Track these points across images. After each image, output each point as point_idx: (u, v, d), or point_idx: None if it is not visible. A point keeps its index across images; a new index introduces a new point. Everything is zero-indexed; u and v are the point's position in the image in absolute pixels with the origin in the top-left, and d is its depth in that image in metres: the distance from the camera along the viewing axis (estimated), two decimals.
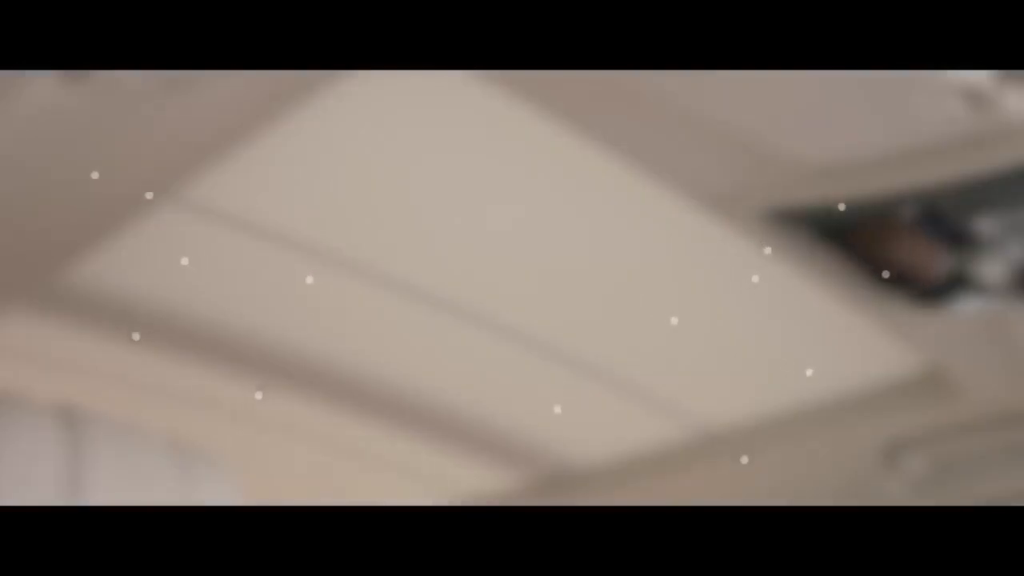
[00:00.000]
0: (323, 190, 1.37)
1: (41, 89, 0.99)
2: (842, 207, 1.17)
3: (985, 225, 1.14)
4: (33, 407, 1.17)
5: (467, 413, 1.84)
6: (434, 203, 1.41)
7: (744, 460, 1.84)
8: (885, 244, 1.24)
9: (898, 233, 1.20)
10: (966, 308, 1.33)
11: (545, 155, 1.31)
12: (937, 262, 1.24)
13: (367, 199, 1.39)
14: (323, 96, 1.12)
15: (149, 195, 1.20)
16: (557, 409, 1.87)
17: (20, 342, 1.52)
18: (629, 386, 1.81)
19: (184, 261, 1.44)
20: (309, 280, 1.50)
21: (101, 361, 1.59)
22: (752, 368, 1.76)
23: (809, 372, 1.79)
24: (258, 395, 1.65)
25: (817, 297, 1.41)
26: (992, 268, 1.22)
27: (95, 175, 1.15)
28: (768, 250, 1.30)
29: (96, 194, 1.18)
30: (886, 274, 1.31)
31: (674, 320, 1.66)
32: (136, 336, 1.54)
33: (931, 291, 1.31)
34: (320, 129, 1.25)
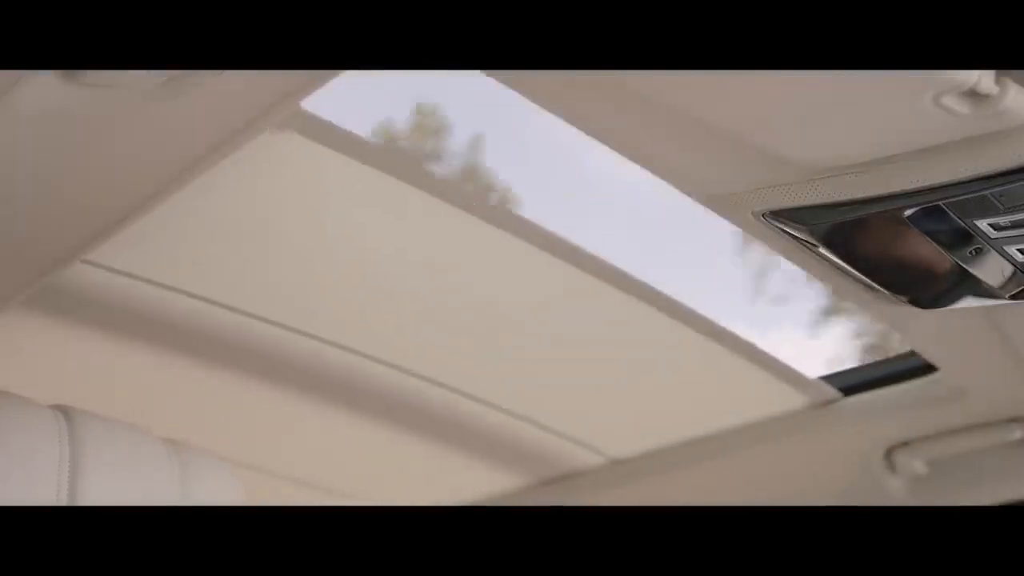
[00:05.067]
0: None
1: (41, 89, 0.98)
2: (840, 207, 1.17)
3: (985, 225, 1.14)
4: (32, 407, 1.17)
5: (468, 414, 1.84)
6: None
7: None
8: (885, 244, 1.24)
9: (898, 233, 1.20)
10: (966, 308, 1.33)
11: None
12: (937, 262, 1.24)
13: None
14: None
15: (148, 195, 1.19)
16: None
17: (20, 342, 1.52)
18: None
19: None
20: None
21: (101, 361, 1.59)
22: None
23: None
24: None
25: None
26: (992, 268, 1.22)
27: (95, 175, 1.15)
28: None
29: (96, 194, 1.18)
30: (887, 274, 1.31)
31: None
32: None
33: (931, 291, 1.31)
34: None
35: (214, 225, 1.37)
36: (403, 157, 1.33)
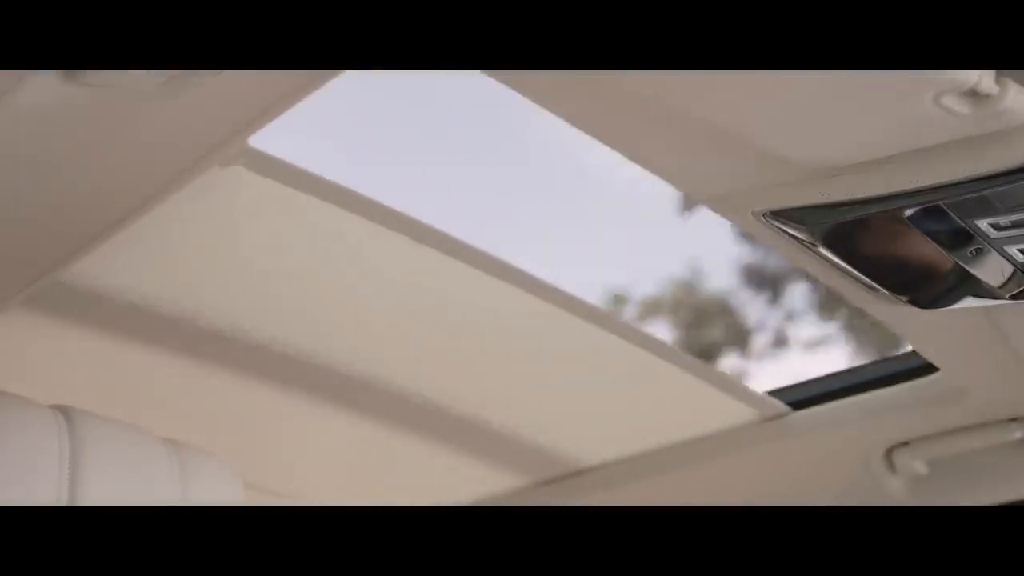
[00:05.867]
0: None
1: (42, 89, 0.99)
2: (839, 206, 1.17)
3: (985, 225, 1.14)
4: (32, 407, 1.17)
5: (468, 415, 1.84)
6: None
7: None
8: (885, 244, 1.24)
9: (898, 233, 1.20)
10: (966, 308, 1.33)
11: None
12: (937, 262, 1.24)
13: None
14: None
15: (148, 195, 1.19)
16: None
17: (20, 342, 1.52)
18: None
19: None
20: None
21: (101, 361, 1.59)
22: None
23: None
24: None
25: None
26: (992, 268, 1.22)
27: (95, 174, 1.15)
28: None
29: (96, 194, 1.18)
30: (887, 274, 1.31)
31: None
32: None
33: (931, 291, 1.31)
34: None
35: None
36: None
